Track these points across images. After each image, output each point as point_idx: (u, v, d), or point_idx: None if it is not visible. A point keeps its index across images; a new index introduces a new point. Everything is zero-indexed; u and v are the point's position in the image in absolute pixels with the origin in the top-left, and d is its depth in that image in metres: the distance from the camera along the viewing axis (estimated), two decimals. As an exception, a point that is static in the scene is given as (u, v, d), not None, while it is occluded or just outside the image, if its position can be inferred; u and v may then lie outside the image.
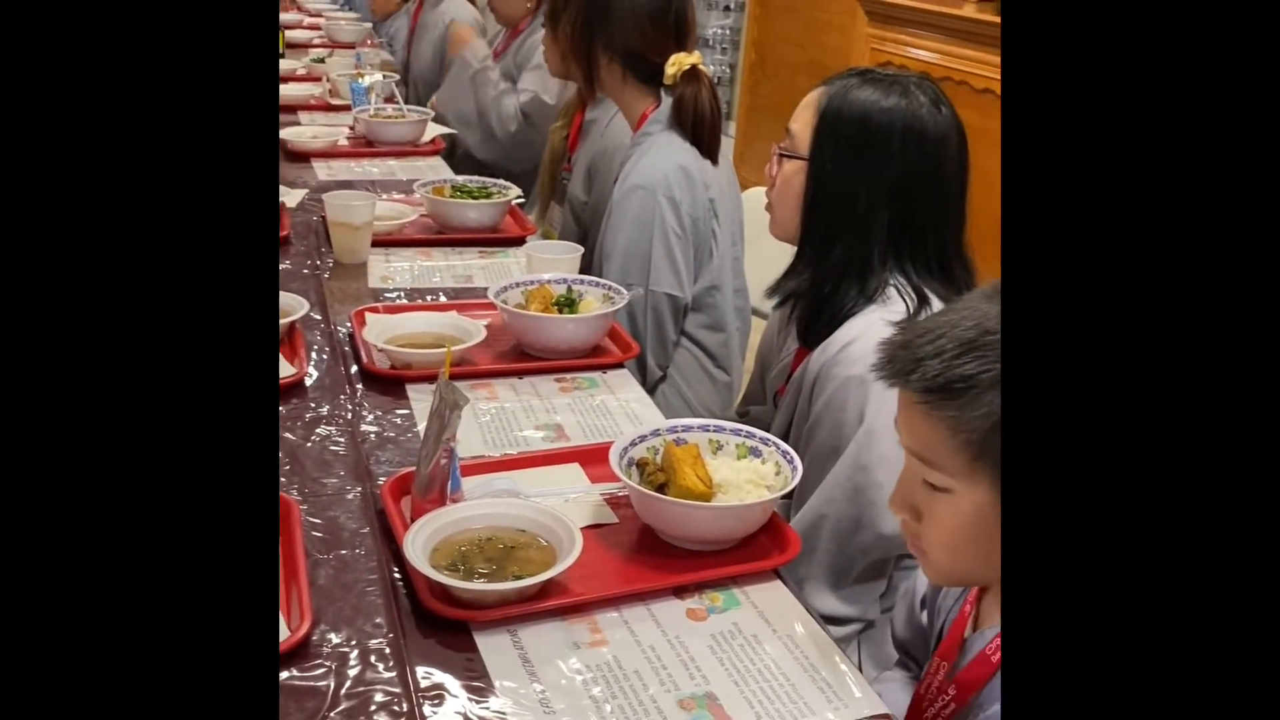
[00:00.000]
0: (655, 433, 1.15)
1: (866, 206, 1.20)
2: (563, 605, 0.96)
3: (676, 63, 1.74)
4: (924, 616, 1.01)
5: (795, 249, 1.31)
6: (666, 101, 1.79)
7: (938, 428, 0.79)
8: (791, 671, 0.91)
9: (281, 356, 1.42)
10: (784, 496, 1.09)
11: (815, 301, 1.25)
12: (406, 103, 2.70)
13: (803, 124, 1.25)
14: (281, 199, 2.00)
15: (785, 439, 1.24)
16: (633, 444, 1.13)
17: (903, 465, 0.87)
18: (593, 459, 1.21)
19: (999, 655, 0.84)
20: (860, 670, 0.94)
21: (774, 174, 1.29)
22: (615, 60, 1.83)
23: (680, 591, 1.01)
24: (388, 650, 0.90)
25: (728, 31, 5.21)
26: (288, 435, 1.24)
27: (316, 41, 4.12)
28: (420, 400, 1.35)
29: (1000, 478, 0.73)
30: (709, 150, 1.78)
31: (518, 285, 1.56)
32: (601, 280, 1.60)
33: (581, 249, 1.70)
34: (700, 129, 1.76)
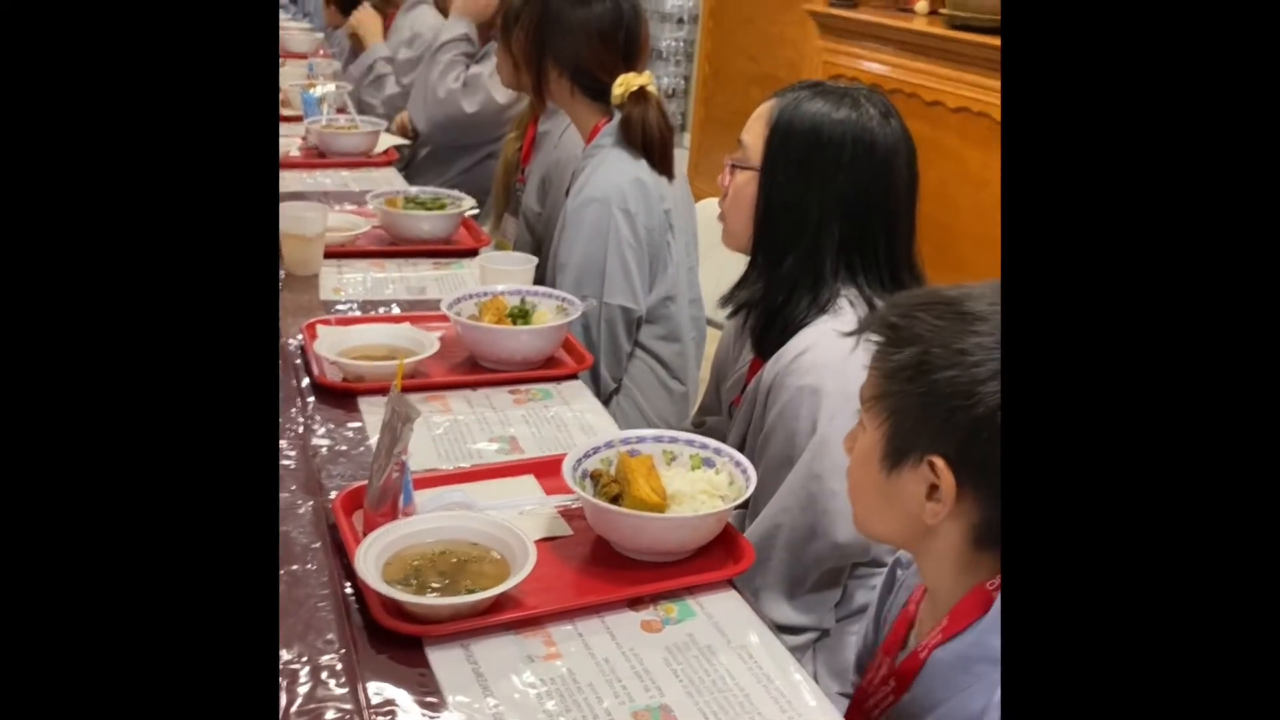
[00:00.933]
0: (609, 444, 1.15)
1: (818, 218, 1.22)
2: (517, 619, 0.96)
3: (624, 83, 1.74)
4: (873, 629, 1.02)
5: (748, 259, 1.31)
6: (619, 115, 1.80)
7: (764, 115, 1.12)
8: (746, 682, 0.91)
9: (231, 370, 1.40)
10: (738, 507, 1.09)
11: (768, 312, 1.26)
12: (359, 114, 2.68)
13: (754, 135, 1.26)
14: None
15: (741, 449, 1.24)
16: (586, 455, 1.13)
17: (848, 466, 0.89)
18: (547, 471, 1.21)
19: (927, 652, 0.86)
20: (815, 680, 0.94)
21: (726, 185, 1.30)
22: (564, 75, 1.83)
23: (635, 603, 1.00)
24: (339, 666, 0.89)
25: (682, 44, 5.24)
26: (237, 450, 1.22)
27: (268, 51, 4.08)
28: (373, 413, 1.34)
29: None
30: (662, 167, 1.78)
31: (471, 297, 1.55)
32: (555, 291, 1.59)
33: (535, 260, 1.70)
34: (650, 148, 1.76)
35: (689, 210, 1.92)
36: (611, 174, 1.73)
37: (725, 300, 1.32)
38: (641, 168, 1.75)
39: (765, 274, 1.26)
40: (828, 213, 1.21)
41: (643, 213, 1.72)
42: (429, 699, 0.87)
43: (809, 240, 1.22)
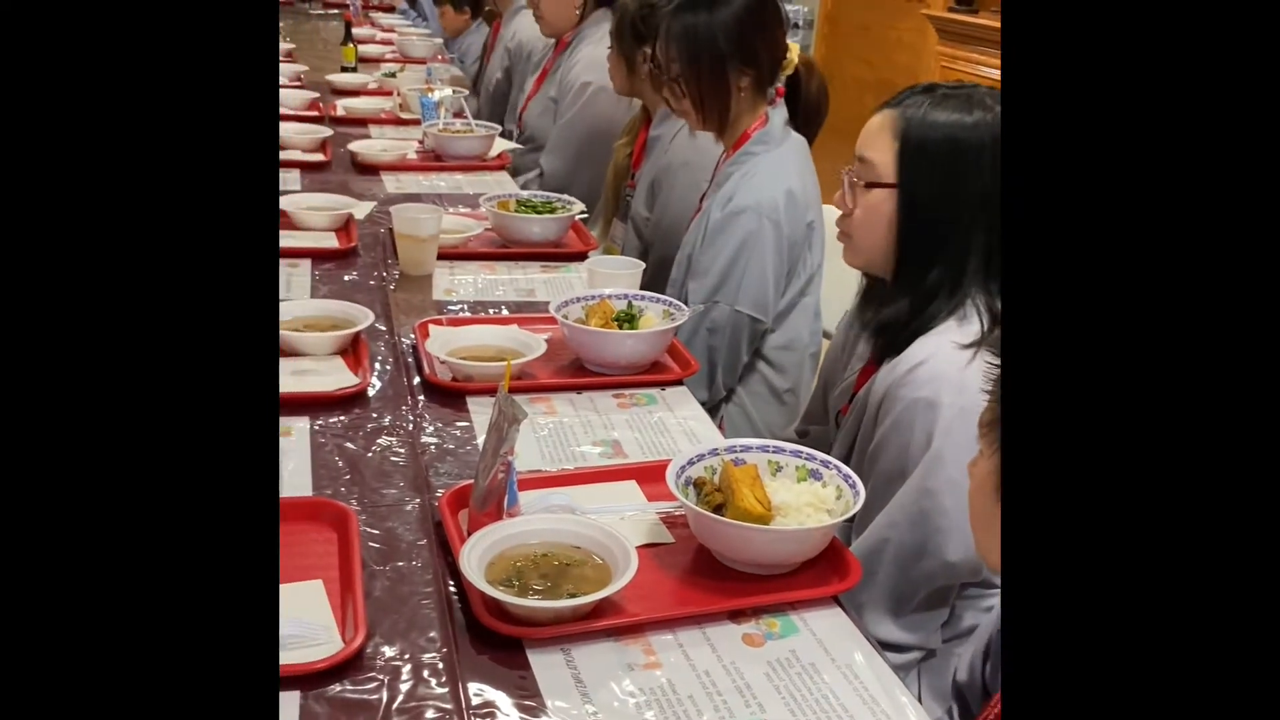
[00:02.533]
0: (713, 452, 1.13)
1: (964, 227, 1.17)
2: (617, 625, 0.95)
3: (792, 52, 1.76)
4: (986, 670, 0.97)
5: (859, 272, 1.28)
6: (774, 119, 1.78)
7: (887, 128, 1.20)
8: (850, 702, 0.89)
9: (345, 366, 1.43)
10: (845, 521, 1.06)
11: (906, 322, 1.22)
12: (475, 118, 2.72)
13: (881, 151, 1.22)
14: (350, 211, 2.02)
15: (847, 460, 1.21)
16: (690, 463, 1.11)
17: (968, 490, 0.84)
18: (649, 477, 1.19)
19: None
20: (920, 701, 0.91)
21: (850, 203, 1.26)
22: (748, 75, 1.78)
23: (736, 616, 0.98)
24: (440, 665, 0.89)
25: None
26: (349, 444, 1.24)
27: (389, 56, 4.18)
28: (480, 413, 1.35)
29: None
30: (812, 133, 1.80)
31: (578, 300, 1.55)
32: (662, 296, 1.58)
33: (643, 265, 1.69)
34: (813, 120, 1.79)
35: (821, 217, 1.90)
36: (764, 183, 1.72)
37: (865, 322, 1.28)
38: (794, 177, 1.74)
39: (909, 290, 1.21)
40: (973, 219, 1.17)
41: (788, 225, 1.71)
42: (528, 702, 0.86)
43: (954, 250, 1.18)
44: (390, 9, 6.10)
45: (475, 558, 0.97)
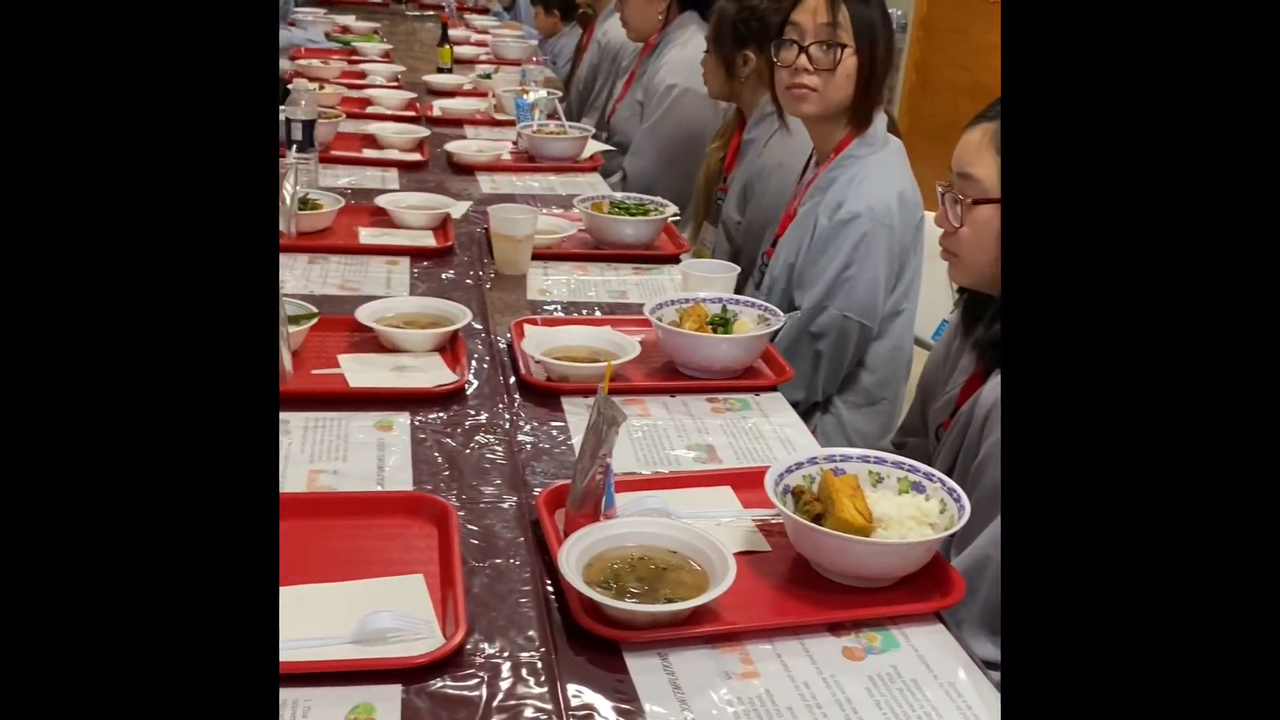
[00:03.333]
0: (812, 460, 1.11)
1: None
2: (714, 633, 0.94)
3: None
4: None
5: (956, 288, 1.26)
6: (877, 123, 1.76)
7: (988, 142, 1.18)
8: (953, 722, 0.86)
9: (444, 363, 1.45)
10: (950, 536, 1.03)
11: None
12: (568, 119, 2.74)
13: (985, 166, 1.19)
14: (448, 210, 2.05)
15: (949, 475, 1.18)
16: (789, 471, 1.10)
17: None
18: (745, 483, 1.18)
19: None
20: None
21: (957, 221, 1.23)
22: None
23: (836, 628, 0.97)
24: (539, 665, 0.89)
25: (887, 53, 5.11)
26: (448, 441, 1.26)
27: (483, 58, 4.23)
28: (575, 413, 1.35)
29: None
30: None
31: (673, 303, 1.55)
32: (757, 300, 1.57)
33: (738, 269, 1.68)
34: None
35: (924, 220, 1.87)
36: (875, 187, 1.70)
37: (974, 338, 1.25)
38: (904, 179, 1.71)
39: None
40: None
41: (900, 227, 1.69)
42: (626, 706, 0.86)
43: None
44: (484, 10, 6.18)
45: (573, 558, 0.97)
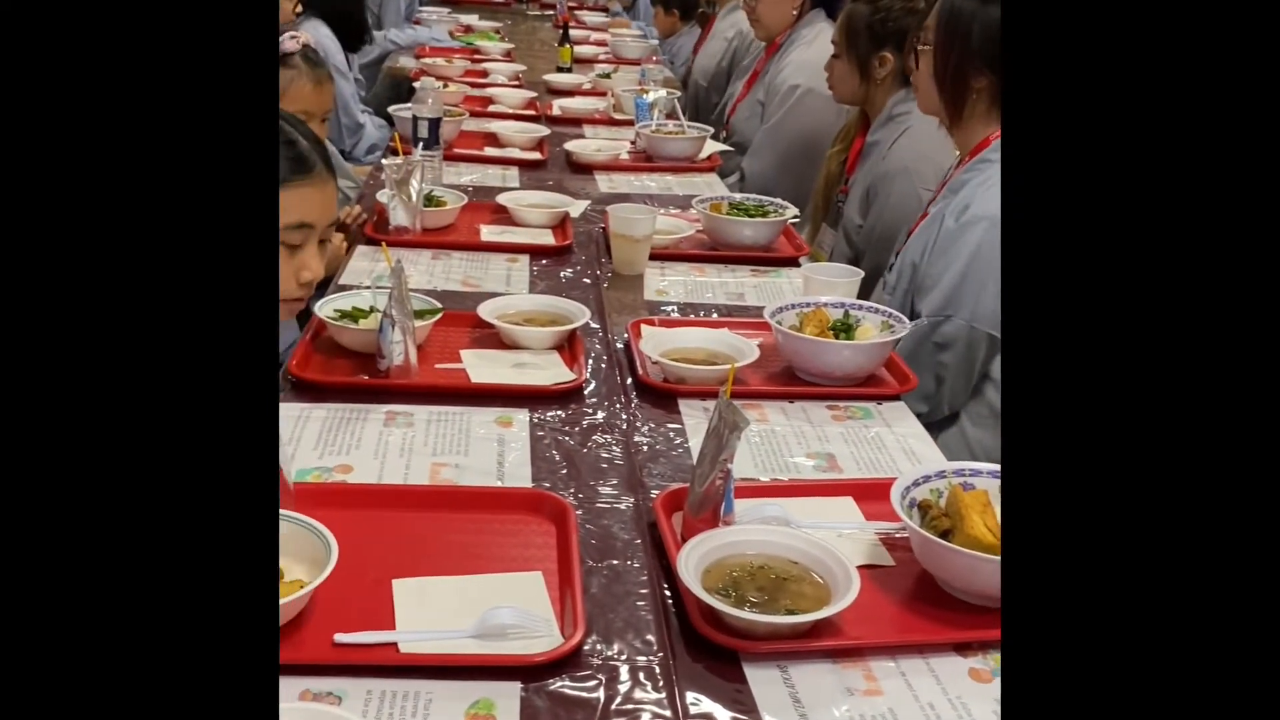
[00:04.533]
0: (940, 474, 1.08)
1: None
2: (836, 647, 0.92)
3: None
4: None
5: None
6: None
7: None
8: (1089, 756, 0.82)
9: (562, 361, 1.45)
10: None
11: None
12: (686, 119, 2.73)
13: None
14: (566, 209, 2.06)
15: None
16: (915, 484, 1.06)
17: None
18: (867, 494, 1.15)
19: None
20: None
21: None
22: (986, 79, 1.67)
23: (963, 649, 0.93)
24: (657, 670, 0.89)
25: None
26: (566, 439, 1.26)
27: (602, 57, 4.26)
28: (692, 416, 1.34)
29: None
30: None
31: (793, 307, 1.52)
32: (881, 307, 1.53)
33: (861, 274, 1.64)
34: None
35: None
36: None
37: None
38: None
39: None
40: None
41: None
42: (743, 717, 0.85)
43: None
44: (604, 9, 6.23)
45: (692, 564, 0.96)
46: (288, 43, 1.73)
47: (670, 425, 1.32)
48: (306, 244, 1.26)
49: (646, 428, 1.31)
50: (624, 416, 1.34)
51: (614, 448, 1.26)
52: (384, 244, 1.51)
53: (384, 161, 2.03)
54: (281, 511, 0.98)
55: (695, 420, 1.33)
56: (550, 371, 1.42)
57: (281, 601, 0.86)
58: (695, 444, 1.24)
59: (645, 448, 1.27)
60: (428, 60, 3.72)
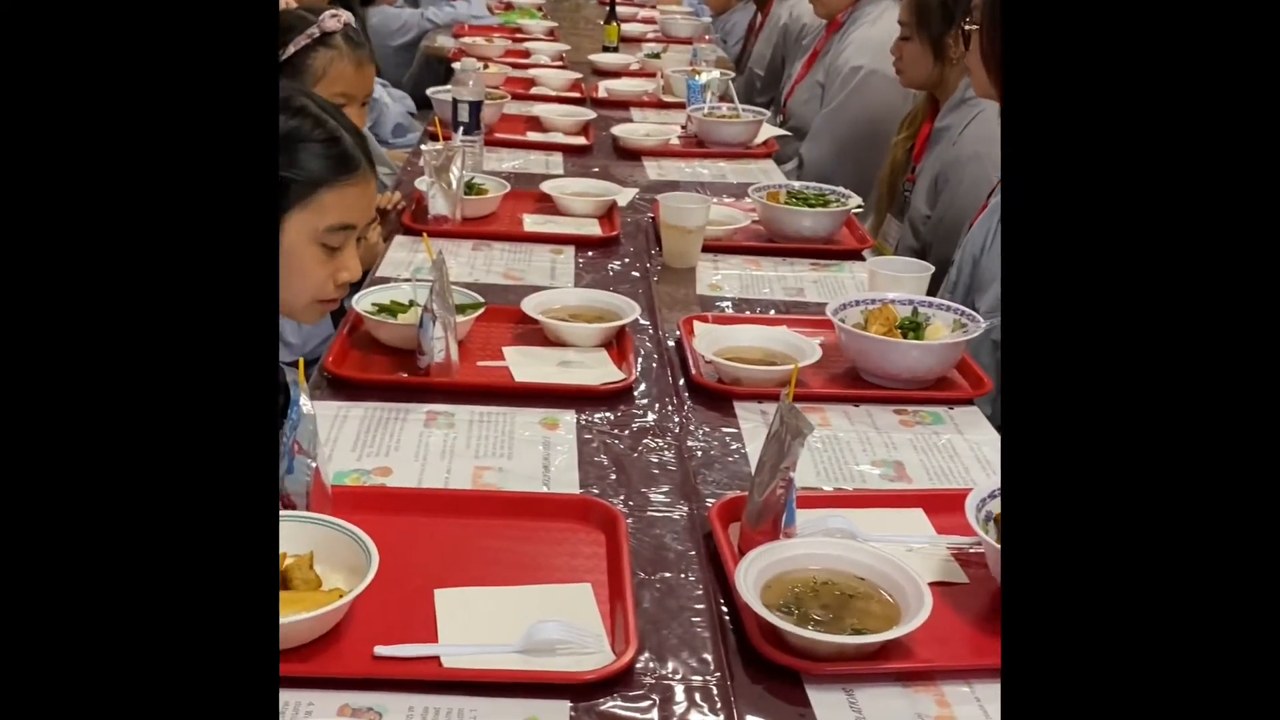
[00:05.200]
0: (1018, 485, 1.06)
1: None
2: (906, 670, 0.91)
3: None
4: None
5: None
6: None
7: None
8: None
9: (610, 359, 1.46)
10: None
11: None
12: (741, 102, 2.72)
13: None
14: (613, 197, 2.07)
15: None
16: (991, 496, 1.05)
17: None
18: (939, 506, 1.14)
19: None
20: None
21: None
22: None
23: (1043, 674, 0.92)
24: (714, 690, 0.88)
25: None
26: (615, 443, 1.26)
27: (651, 36, 4.26)
28: (748, 419, 1.34)
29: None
30: None
31: (857, 303, 1.51)
32: (953, 304, 1.51)
33: (932, 268, 1.62)
34: None
35: None
36: None
37: None
38: None
39: None
40: None
41: None
42: (807, 743, 0.84)
43: None
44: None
45: (751, 578, 0.96)
46: (329, 21, 1.75)
47: (726, 429, 1.32)
48: (346, 245, 1.27)
49: (701, 431, 1.31)
50: (676, 419, 1.33)
51: (666, 452, 1.25)
52: (425, 235, 1.52)
53: (423, 148, 2.04)
54: (320, 516, 0.99)
55: (752, 424, 1.32)
56: (598, 370, 1.42)
57: (321, 611, 0.87)
58: (753, 450, 1.24)
59: (699, 453, 1.26)
60: (467, 40, 3.74)
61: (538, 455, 1.22)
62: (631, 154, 2.51)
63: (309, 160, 1.21)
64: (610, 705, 0.86)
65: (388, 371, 1.38)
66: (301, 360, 1.03)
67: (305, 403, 0.99)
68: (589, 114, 2.70)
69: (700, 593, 1.01)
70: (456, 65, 2.98)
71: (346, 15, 1.80)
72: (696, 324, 1.55)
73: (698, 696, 0.88)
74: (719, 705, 0.87)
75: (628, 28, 4.24)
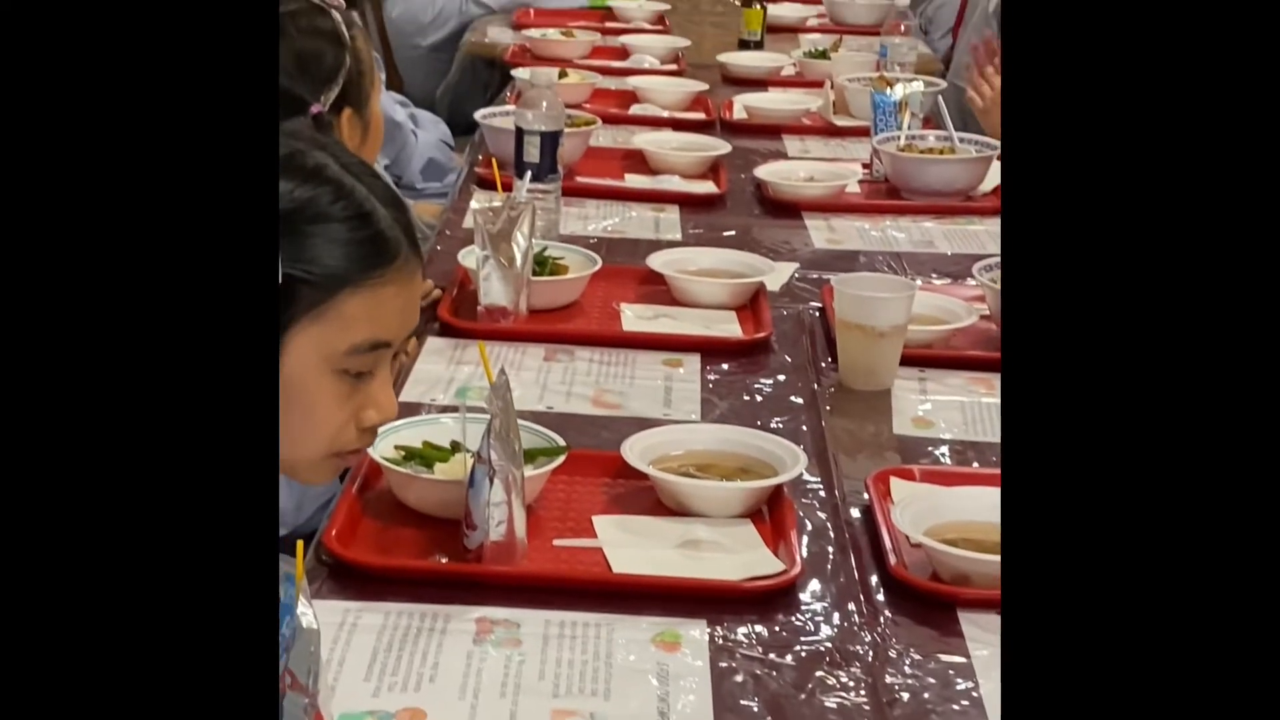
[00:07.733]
0: None
1: None
2: None
3: None
4: None
5: None
6: None
7: None
8: None
9: (756, 531, 1.46)
10: None
11: None
12: (958, 126, 2.73)
13: None
14: (759, 279, 2.08)
15: None
16: None
17: None
18: None
19: None
20: None
21: None
22: None
23: None
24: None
25: None
26: (769, 673, 1.26)
27: (814, 22, 4.30)
28: (983, 644, 1.31)
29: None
30: None
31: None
32: None
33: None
34: None
35: None
36: None
37: None
38: None
39: None
40: None
41: None
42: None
43: None
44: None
45: None
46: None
47: (946, 657, 1.30)
48: (378, 370, 1.25)
49: (907, 661, 1.29)
50: (866, 639, 1.32)
51: (851, 694, 1.24)
52: (480, 344, 1.55)
53: (473, 205, 2.10)
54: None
55: (989, 650, 1.30)
56: (742, 557, 1.42)
57: None
58: (988, 691, 1.22)
59: (904, 696, 1.25)
60: (533, 33, 3.78)
61: (650, 693, 1.22)
62: (787, 208, 2.54)
63: (326, 249, 1.18)
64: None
65: (419, 555, 1.41)
66: (300, 544, 1.05)
67: (304, 610, 1.01)
68: (721, 146, 2.74)
69: None
70: (518, 73, 3.06)
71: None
72: (895, 483, 1.55)
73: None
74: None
75: (777, 10, 4.25)
